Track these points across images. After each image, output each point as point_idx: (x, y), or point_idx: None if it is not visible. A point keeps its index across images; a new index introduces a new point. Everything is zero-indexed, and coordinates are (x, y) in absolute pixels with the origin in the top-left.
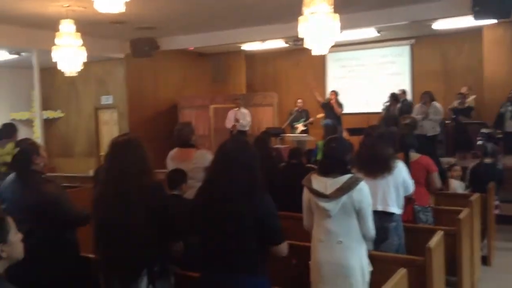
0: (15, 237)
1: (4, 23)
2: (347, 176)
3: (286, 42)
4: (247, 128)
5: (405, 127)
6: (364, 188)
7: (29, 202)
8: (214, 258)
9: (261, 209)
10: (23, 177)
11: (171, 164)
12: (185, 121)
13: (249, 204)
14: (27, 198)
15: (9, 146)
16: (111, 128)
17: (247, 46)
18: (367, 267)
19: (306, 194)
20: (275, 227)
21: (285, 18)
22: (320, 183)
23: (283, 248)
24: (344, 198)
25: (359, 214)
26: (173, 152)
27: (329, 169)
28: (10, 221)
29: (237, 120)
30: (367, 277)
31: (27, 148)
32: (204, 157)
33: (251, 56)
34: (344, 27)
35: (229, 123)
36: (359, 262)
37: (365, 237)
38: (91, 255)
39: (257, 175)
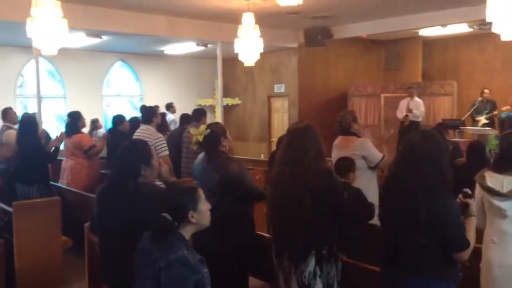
0: (204, 206)
1: (194, 18)
2: None
3: (470, 27)
4: (420, 119)
5: None
6: None
7: (216, 179)
8: (388, 254)
9: (442, 213)
10: (211, 156)
11: (335, 152)
12: (348, 109)
13: (430, 203)
14: (215, 175)
15: (202, 128)
16: (281, 115)
17: (425, 32)
18: None
19: (478, 192)
20: (456, 235)
21: (470, 1)
22: (495, 180)
23: (464, 255)
24: None
25: None
26: (337, 139)
27: (506, 165)
28: (201, 192)
29: (409, 110)
30: None
31: (217, 131)
32: (362, 145)
33: (428, 42)
34: None
35: (400, 114)
36: None
37: None
38: (263, 233)
39: (443, 170)
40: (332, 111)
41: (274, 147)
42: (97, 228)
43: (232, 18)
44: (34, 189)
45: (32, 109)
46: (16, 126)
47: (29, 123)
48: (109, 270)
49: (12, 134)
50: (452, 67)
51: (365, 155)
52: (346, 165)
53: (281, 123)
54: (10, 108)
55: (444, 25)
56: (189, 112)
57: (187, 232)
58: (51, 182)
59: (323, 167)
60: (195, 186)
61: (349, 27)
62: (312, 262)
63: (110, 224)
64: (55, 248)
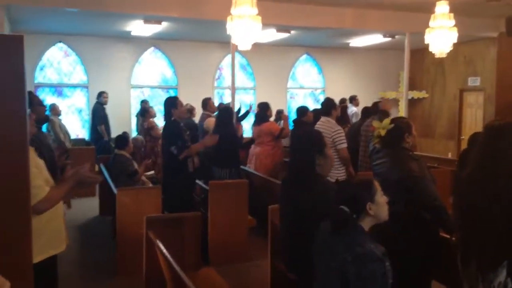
0: (381, 198)
1: (381, 9)
2: None
3: None
4: None
5: None
6: None
7: (394, 176)
8: None
9: None
10: (392, 152)
11: None
12: None
13: None
14: (393, 172)
15: (386, 122)
16: (475, 111)
17: None
18: None
19: None
20: None
21: None
22: None
23: None
24: None
25: None
26: None
27: None
28: (377, 184)
29: None
30: None
31: (401, 126)
32: None
33: None
34: None
35: None
36: None
37: None
38: (446, 235)
39: None
40: None
41: (464, 146)
42: (280, 213)
43: (423, 8)
44: (227, 172)
45: (226, 99)
46: (215, 115)
47: (227, 113)
48: (284, 253)
49: (211, 121)
50: None
51: None
52: None
53: (474, 119)
54: (209, 99)
55: None
56: (370, 105)
57: (366, 224)
58: (241, 166)
59: None
60: (370, 179)
61: None
62: (503, 273)
63: (287, 210)
64: (241, 226)
